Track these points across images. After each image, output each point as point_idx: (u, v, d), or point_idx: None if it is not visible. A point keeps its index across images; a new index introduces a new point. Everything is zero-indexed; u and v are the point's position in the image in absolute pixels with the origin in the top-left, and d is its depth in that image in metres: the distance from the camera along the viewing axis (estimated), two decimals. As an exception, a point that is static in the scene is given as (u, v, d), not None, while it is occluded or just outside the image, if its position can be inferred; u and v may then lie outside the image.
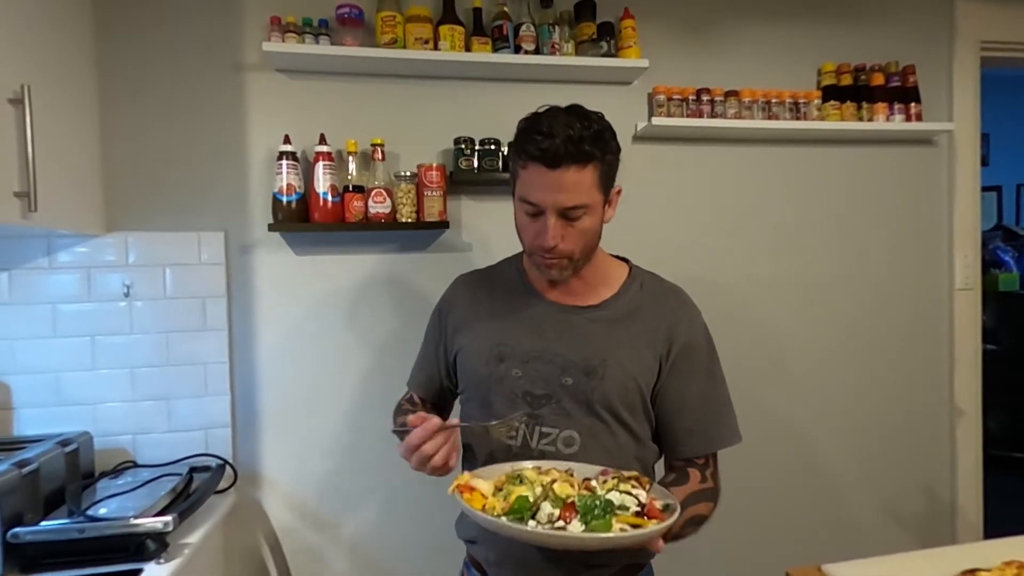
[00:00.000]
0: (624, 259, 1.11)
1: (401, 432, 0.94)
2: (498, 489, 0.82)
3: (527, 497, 0.76)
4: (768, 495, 1.89)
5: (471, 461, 1.05)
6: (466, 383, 1.07)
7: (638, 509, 0.77)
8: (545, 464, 0.91)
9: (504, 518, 0.75)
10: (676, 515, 0.78)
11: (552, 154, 0.87)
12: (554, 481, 0.80)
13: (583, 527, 0.73)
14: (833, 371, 1.94)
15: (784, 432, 1.91)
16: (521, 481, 0.81)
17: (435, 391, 1.15)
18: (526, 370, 0.99)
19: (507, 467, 0.91)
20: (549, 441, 0.97)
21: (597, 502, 0.75)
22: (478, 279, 1.13)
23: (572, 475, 0.86)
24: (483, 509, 0.78)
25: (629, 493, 0.79)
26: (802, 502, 1.92)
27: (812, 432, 1.93)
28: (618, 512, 0.75)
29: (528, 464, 0.90)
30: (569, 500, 0.77)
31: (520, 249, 1.13)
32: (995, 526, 1.96)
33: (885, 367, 1.97)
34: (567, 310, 1.02)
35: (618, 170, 0.97)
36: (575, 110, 0.93)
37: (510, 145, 1.00)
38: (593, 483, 0.83)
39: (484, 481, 0.83)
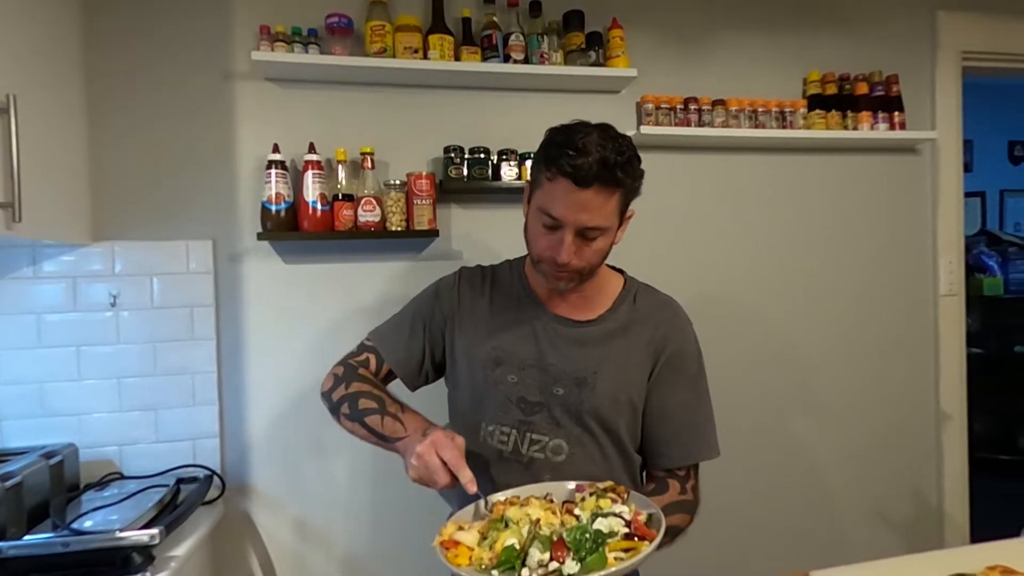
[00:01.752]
0: (619, 270, 1.12)
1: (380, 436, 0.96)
2: (483, 537, 0.79)
3: (514, 546, 0.74)
4: (756, 501, 1.90)
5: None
6: (459, 383, 1.07)
7: (627, 530, 0.75)
8: (523, 492, 0.88)
9: (495, 572, 0.72)
10: (663, 526, 0.77)
11: (584, 173, 0.87)
12: (538, 521, 0.78)
13: (578, 564, 0.71)
14: (819, 377, 1.95)
15: (771, 438, 1.92)
16: (506, 525, 0.78)
17: (412, 371, 1.09)
18: (522, 377, 1.00)
19: (481, 504, 0.87)
20: (539, 448, 0.99)
21: (587, 535, 0.73)
22: (480, 278, 1.12)
23: (551, 501, 0.84)
24: (470, 562, 0.75)
25: (613, 513, 0.77)
26: (790, 508, 1.93)
27: (799, 438, 1.94)
28: (608, 540, 0.73)
29: (500, 496, 0.87)
30: (557, 538, 0.74)
31: (516, 254, 1.14)
32: (982, 529, 1.98)
33: (871, 373, 1.99)
34: (563, 322, 1.03)
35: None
36: (607, 131, 0.92)
37: (524, 154, 0.96)
38: (577, 511, 0.81)
39: (467, 533, 0.80)
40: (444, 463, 0.83)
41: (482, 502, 0.87)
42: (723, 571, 1.85)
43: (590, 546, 0.72)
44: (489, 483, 0.98)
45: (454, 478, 0.83)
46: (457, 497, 0.92)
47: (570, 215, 0.90)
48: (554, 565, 0.71)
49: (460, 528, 0.81)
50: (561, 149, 0.89)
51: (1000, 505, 2.36)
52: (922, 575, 0.93)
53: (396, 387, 1.10)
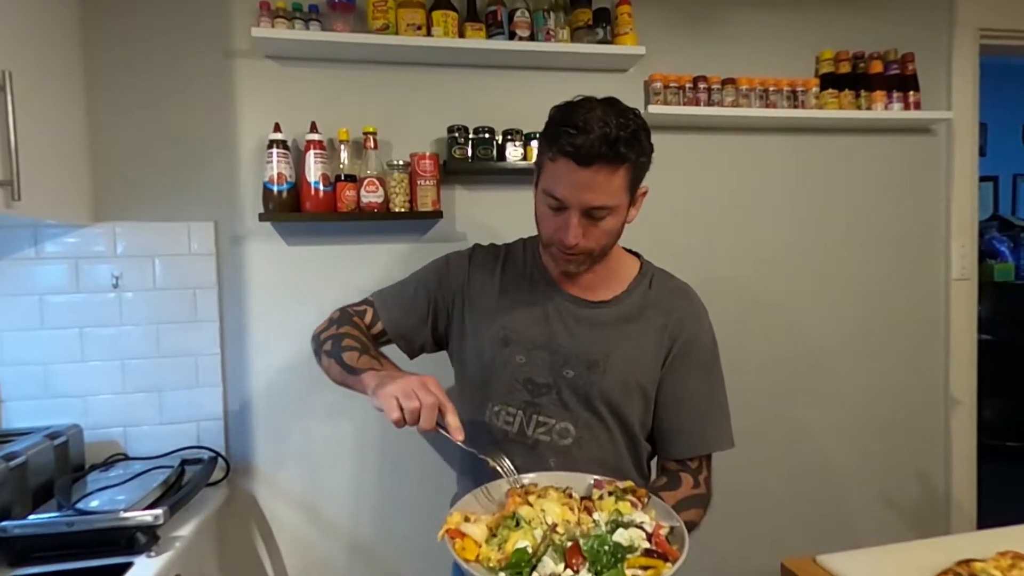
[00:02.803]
0: (636, 253, 1.10)
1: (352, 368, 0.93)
2: (492, 534, 0.75)
3: (526, 549, 0.70)
4: (763, 486, 1.89)
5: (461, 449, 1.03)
6: (467, 361, 1.05)
7: (647, 545, 0.72)
8: (543, 480, 0.86)
9: (502, 574, 0.69)
10: (687, 545, 0.73)
11: (585, 152, 0.84)
12: (555, 526, 0.74)
13: None
14: (829, 361, 1.93)
15: (779, 423, 1.90)
16: (518, 524, 0.74)
17: (406, 334, 1.07)
18: (530, 357, 0.98)
19: (491, 490, 0.84)
20: (545, 431, 0.98)
21: (605, 547, 0.69)
22: (493, 257, 1.10)
23: (571, 496, 0.81)
24: (477, 559, 0.71)
25: (634, 524, 0.74)
26: (797, 493, 1.92)
27: (808, 422, 1.93)
28: (628, 556, 0.70)
29: (524, 480, 0.85)
30: (572, 543, 0.71)
31: (522, 236, 1.12)
32: (989, 515, 1.97)
33: (881, 357, 1.96)
34: (576, 303, 1.01)
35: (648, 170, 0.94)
36: (612, 105, 0.89)
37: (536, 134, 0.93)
38: (595, 515, 0.77)
39: (475, 526, 0.76)
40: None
41: (504, 484, 0.84)
42: (729, 556, 1.85)
43: (607, 560, 0.69)
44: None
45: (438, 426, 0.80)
46: (458, 461, 0.89)
47: (573, 195, 0.88)
48: (568, 574, 0.68)
49: (467, 519, 0.78)
50: (561, 128, 0.86)
51: (1007, 492, 2.35)
52: (930, 560, 0.92)
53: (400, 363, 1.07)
